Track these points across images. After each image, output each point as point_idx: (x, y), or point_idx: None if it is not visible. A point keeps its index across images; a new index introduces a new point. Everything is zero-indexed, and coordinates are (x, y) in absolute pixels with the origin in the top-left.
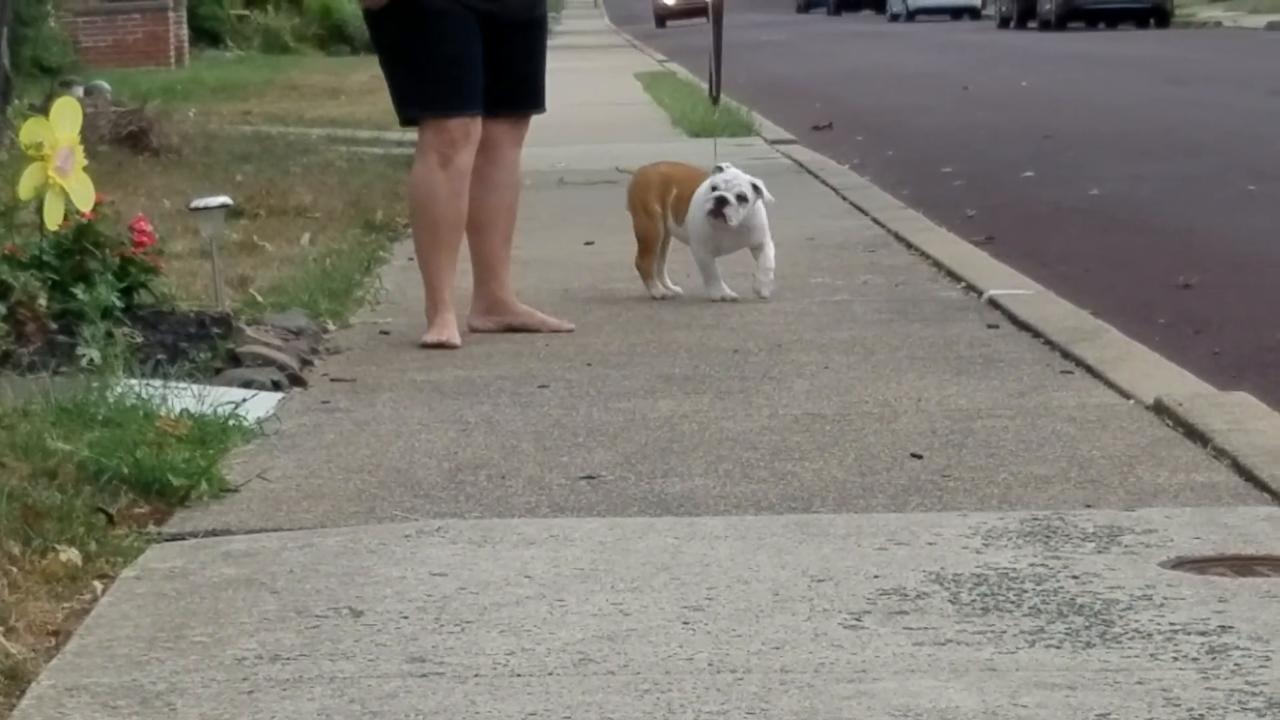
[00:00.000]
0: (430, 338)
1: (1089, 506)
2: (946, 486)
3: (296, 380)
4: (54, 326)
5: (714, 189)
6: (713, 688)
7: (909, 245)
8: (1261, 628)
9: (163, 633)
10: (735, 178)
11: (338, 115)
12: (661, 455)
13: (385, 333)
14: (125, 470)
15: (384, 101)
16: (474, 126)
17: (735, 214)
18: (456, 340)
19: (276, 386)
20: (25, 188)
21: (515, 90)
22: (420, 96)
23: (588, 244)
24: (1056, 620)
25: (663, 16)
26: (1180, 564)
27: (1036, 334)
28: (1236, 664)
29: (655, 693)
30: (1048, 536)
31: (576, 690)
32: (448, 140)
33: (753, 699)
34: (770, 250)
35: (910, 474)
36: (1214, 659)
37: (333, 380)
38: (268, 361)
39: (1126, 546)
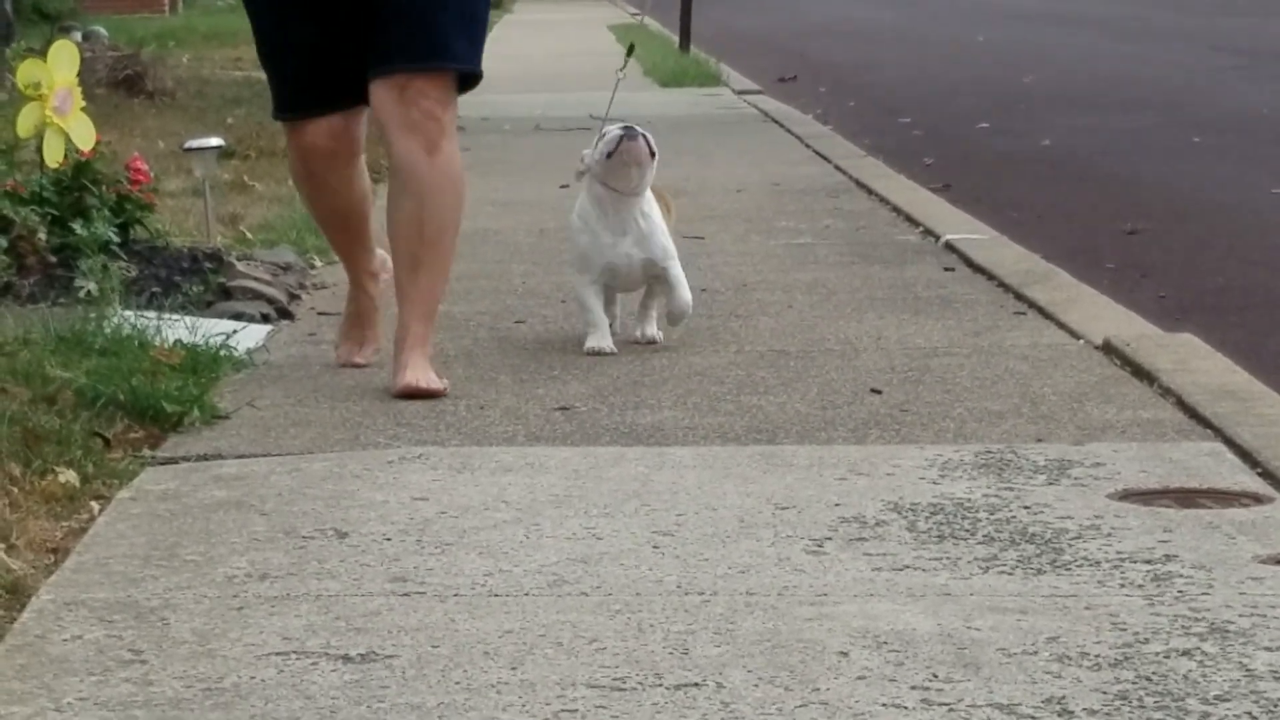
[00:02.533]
0: (340, 354)
1: (1040, 441)
2: (904, 421)
3: (284, 314)
4: (53, 260)
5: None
6: (681, 609)
7: (869, 191)
8: (1204, 557)
9: (157, 551)
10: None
11: None
12: (633, 388)
13: None
14: (121, 397)
15: None
16: (304, 132)
17: (652, 143)
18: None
19: (265, 319)
20: (23, 126)
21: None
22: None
23: (563, 186)
24: (1009, 548)
25: None
26: (1127, 496)
27: (990, 276)
28: (1180, 591)
29: (626, 613)
30: (1001, 469)
31: (551, 610)
32: (305, 148)
33: (719, 620)
34: (680, 275)
35: (870, 408)
36: (1158, 586)
37: (319, 314)
38: (257, 295)
39: (1076, 479)
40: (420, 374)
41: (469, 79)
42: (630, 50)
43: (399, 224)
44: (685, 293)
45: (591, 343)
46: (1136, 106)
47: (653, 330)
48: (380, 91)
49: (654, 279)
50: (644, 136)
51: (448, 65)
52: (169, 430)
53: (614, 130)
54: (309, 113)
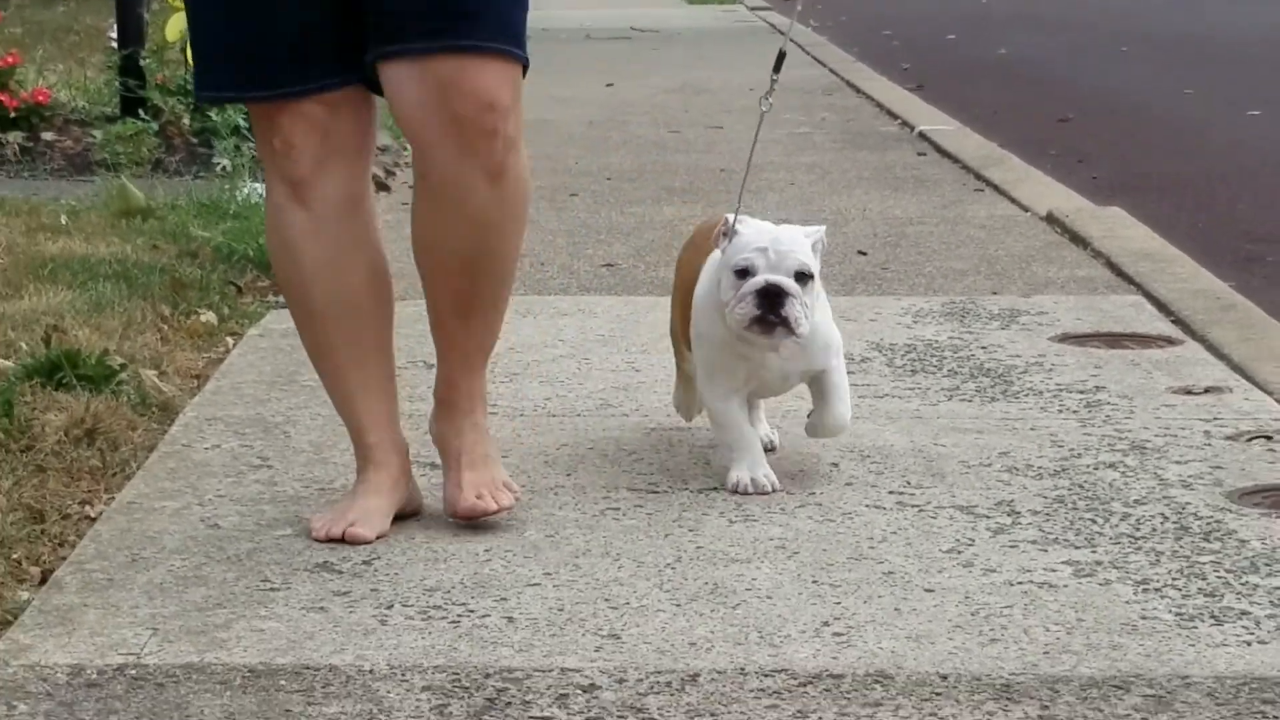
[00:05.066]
0: (316, 528)
1: (995, 294)
2: (885, 277)
3: (382, 186)
4: (195, 141)
5: (746, 270)
6: (703, 427)
7: (857, 90)
8: (1127, 388)
9: (280, 378)
10: (781, 238)
11: None
12: (665, 249)
13: None
14: (250, 253)
15: None
16: (286, 114)
17: (801, 320)
18: (364, 534)
19: None
20: (171, 31)
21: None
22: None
23: (608, 85)
24: (968, 380)
25: None
26: (1065, 338)
27: (955, 160)
28: (1107, 415)
29: (659, 431)
30: (962, 316)
31: (598, 428)
32: (274, 147)
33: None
34: (841, 380)
35: (857, 266)
36: (1090, 411)
37: (410, 187)
38: None
39: (1023, 324)
40: (484, 485)
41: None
42: (779, 63)
43: (441, 255)
44: (843, 405)
45: (740, 475)
46: (1079, 25)
47: (765, 430)
48: (403, 82)
49: (808, 382)
50: (789, 308)
51: (513, 49)
52: None
53: (749, 288)
54: (306, 87)
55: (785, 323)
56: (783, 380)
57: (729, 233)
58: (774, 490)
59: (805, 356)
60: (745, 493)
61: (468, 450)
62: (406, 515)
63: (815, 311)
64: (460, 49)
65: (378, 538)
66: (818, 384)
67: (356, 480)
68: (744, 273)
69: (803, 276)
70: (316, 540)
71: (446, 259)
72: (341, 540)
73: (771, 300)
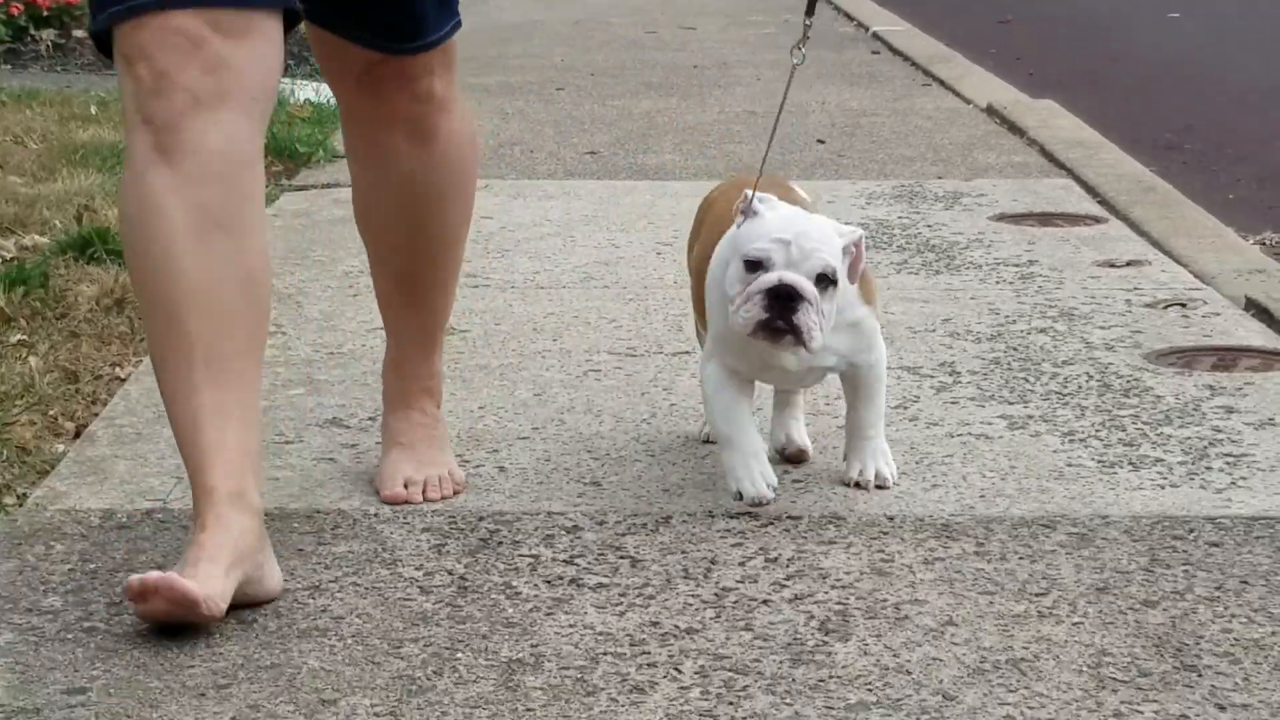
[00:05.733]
0: (133, 591)
1: (940, 178)
2: (841, 163)
3: None
4: None
5: (760, 263)
6: (676, 299)
7: None
8: (1058, 262)
9: (293, 253)
10: (809, 232)
11: None
12: (642, 138)
13: None
14: (266, 140)
15: None
16: (152, 31)
17: (814, 332)
18: (202, 604)
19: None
20: None
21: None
22: None
23: None
24: (916, 255)
25: None
26: (1002, 218)
27: (905, 58)
28: (1039, 286)
29: (636, 300)
30: (911, 198)
31: (582, 298)
32: (140, 77)
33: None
34: (879, 386)
35: (816, 154)
36: (1024, 283)
37: None
38: None
39: (965, 205)
40: (420, 471)
41: None
42: (812, 6)
43: (377, 226)
44: (874, 410)
45: (738, 486)
46: None
47: (801, 435)
48: (336, 54)
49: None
50: (803, 315)
51: (430, 40)
52: (301, 165)
53: (759, 285)
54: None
55: (796, 332)
56: (803, 374)
57: (747, 210)
58: (772, 499)
59: (835, 348)
60: (745, 501)
61: (413, 441)
62: (253, 603)
63: (849, 312)
64: (387, 50)
65: (209, 615)
66: (849, 381)
67: (189, 541)
68: (757, 265)
69: (825, 280)
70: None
71: (382, 231)
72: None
73: (783, 304)
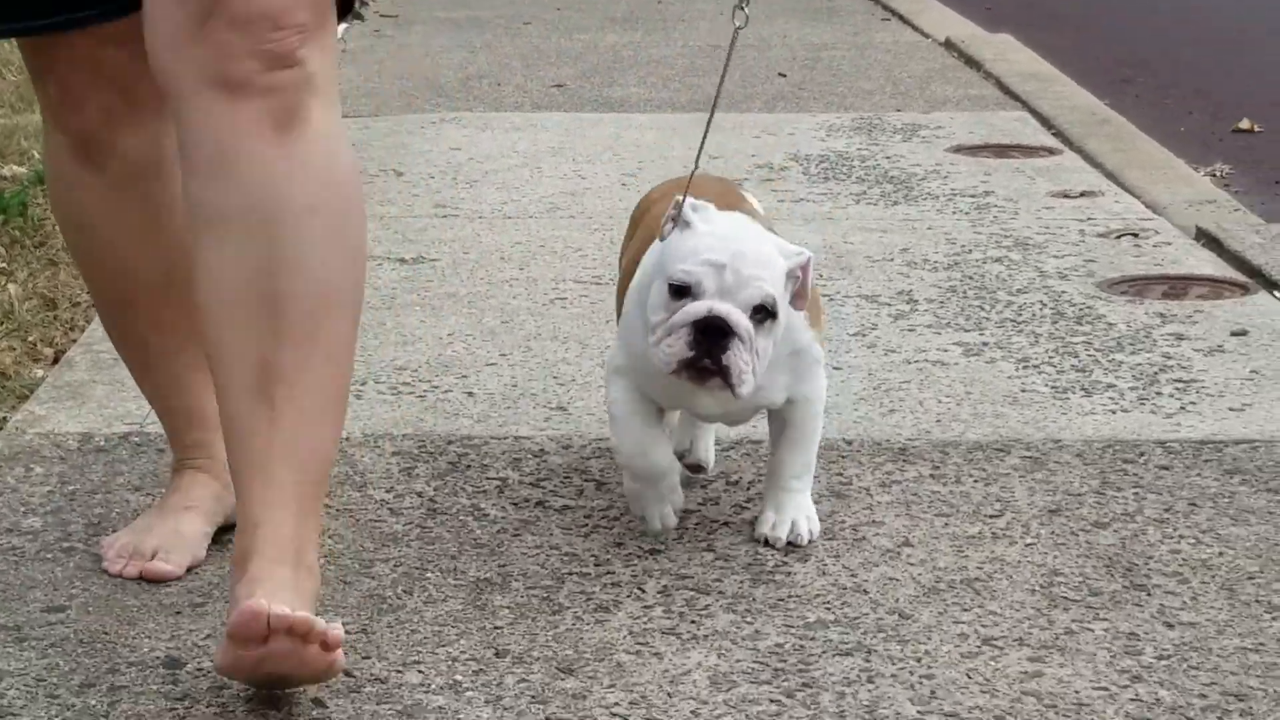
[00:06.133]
0: (109, 557)
1: (899, 110)
2: (802, 96)
3: (356, 15)
4: None
5: (687, 289)
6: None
7: None
8: (1013, 193)
9: None
10: (746, 253)
11: None
12: (608, 71)
13: None
14: None
15: None
16: (60, 51)
17: (745, 374)
18: (168, 570)
19: (341, 18)
20: None
21: None
22: None
23: None
24: (874, 186)
25: None
26: (959, 149)
27: None
28: (994, 217)
29: (602, 230)
30: (870, 129)
31: (549, 228)
32: (51, 95)
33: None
34: (812, 426)
35: (777, 87)
36: (980, 213)
37: (381, 15)
38: None
39: (923, 137)
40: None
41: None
42: None
43: (223, 287)
44: (801, 457)
45: (644, 516)
46: None
47: (707, 450)
48: (155, 5)
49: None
50: (733, 356)
51: None
52: None
53: (685, 316)
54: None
55: (724, 373)
56: (727, 413)
57: (678, 220)
58: (667, 532)
59: (772, 384)
60: (649, 534)
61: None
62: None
63: (773, 350)
64: None
65: (189, 570)
66: (777, 417)
67: (167, 491)
68: (683, 291)
69: (763, 312)
70: (109, 574)
71: (226, 281)
72: (139, 579)
73: (712, 341)
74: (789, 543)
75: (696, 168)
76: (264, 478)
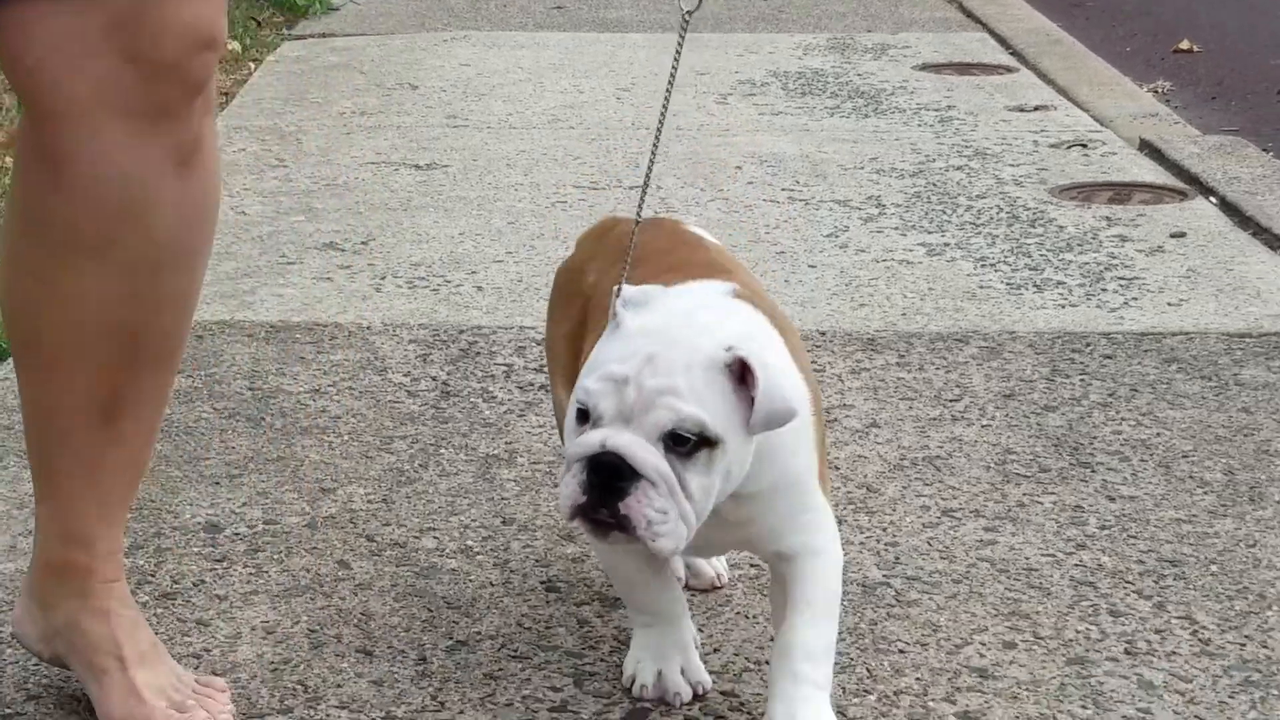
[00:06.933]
0: None
1: (869, 31)
2: (781, 18)
3: None
4: None
5: (585, 413)
6: (634, 138)
7: None
8: (974, 107)
9: (293, 96)
10: (659, 361)
11: None
12: None
13: None
14: None
15: None
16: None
17: (655, 526)
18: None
19: None
20: None
21: None
22: None
23: None
24: (847, 101)
25: None
26: (924, 67)
27: None
28: (956, 129)
29: (599, 140)
30: (843, 49)
31: (550, 138)
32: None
33: (651, 141)
34: (828, 589)
35: (758, 9)
36: (943, 125)
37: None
38: None
39: (891, 56)
40: (174, 689)
41: None
42: None
43: (85, 313)
44: (827, 615)
45: (640, 670)
46: None
47: (717, 568)
48: (41, 20)
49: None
50: (634, 505)
51: None
52: (299, 16)
53: (578, 450)
54: None
55: (624, 527)
56: (715, 543)
57: (614, 313)
58: (684, 702)
59: (742, 522)
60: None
61: (129, 641)
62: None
63: (768, 469)
64: None
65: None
66: (780, 574)
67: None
68: (584, 415)
69: (682, 441)
70: None
71: (89, 308)
72: None
73: (605, 484)
74: None
75: (639, 220)
76: (105, 489)
